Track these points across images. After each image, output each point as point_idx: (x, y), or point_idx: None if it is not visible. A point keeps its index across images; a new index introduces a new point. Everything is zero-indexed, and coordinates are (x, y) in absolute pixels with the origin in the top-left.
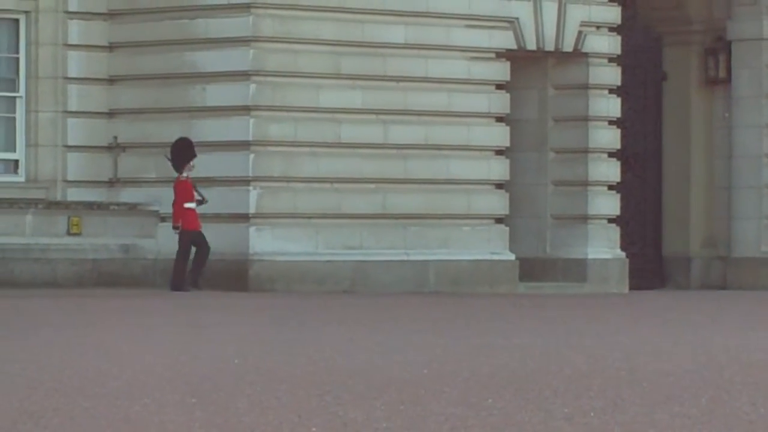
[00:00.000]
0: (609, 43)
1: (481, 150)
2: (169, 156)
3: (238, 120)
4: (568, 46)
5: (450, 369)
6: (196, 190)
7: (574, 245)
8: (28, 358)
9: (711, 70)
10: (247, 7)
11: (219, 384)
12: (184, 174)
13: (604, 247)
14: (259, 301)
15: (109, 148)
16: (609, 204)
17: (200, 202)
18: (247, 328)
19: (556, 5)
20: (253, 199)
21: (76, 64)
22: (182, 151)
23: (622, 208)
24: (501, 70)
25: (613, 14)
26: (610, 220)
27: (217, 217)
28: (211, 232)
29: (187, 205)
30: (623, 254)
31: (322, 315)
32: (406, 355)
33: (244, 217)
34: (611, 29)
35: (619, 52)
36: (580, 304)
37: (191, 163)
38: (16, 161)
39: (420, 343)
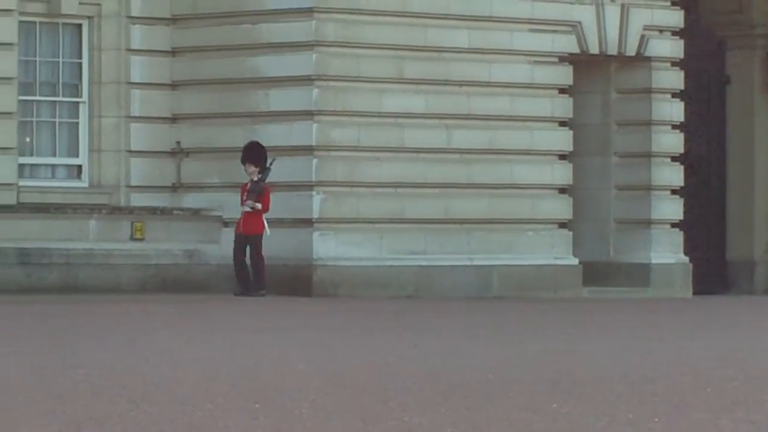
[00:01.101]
0: (672, 47)
1: (544, 154)
2: (271, 163)
3: (301, 125)
4: (631, 50)
5: (514, 374)
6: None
7: (637, 250)
8: (92, 363)
9: None
10: (309, 12)
11: (283, 389)
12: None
13: (667, 251)
14: (322, 307)
15: (172, 153)
16: (672, 208)
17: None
18: (311, 333)
19: (618, 9)
20: (316, 204)
21: (139, 69)
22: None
23: (685, 212)
24: (564, 75)
25: (676, 18)
26: (674, 225)
27: (281, 222)
28: (274, 237)
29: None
30: (687, 259)
31: (385, 320)
32: (470, 360)
33: (308, 222)
34: (674, 33)
35: (682, 56)
36: (644, 309)
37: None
38: (80, 166)
39: (484, 349)
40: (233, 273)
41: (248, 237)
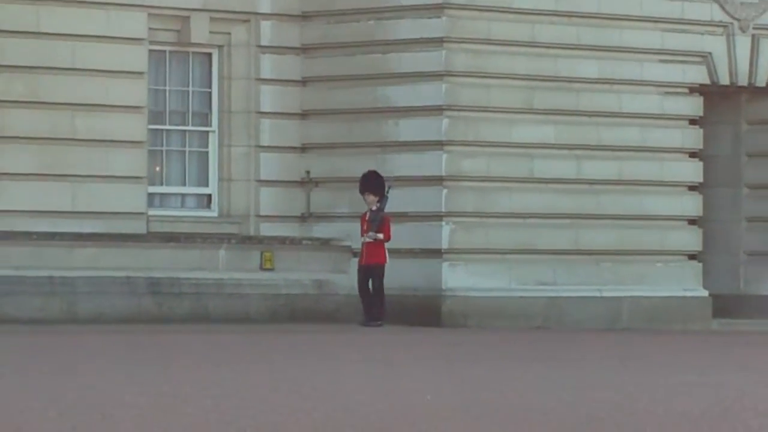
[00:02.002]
0: None
1: (674, 185)
2: (388, 191)
3: (431, 155)
4: (762, 80)
5: (645, 406)
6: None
7: None
8: (222, 393)
9: None
10: (440, 42)
11: (411, 420)
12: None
13: None
14: (451, 337)
15: (301, 182)
16: None
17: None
18: (440, 363)
19: (749, 40)
20: (446, 234)
21: (268, 98)
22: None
23: None
24: (694, 105)
25: None
26: None
27: (410, 252)
28: (404, 267)
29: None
30: None
31: (514, 351)
32: (602, 391)
33: (437, 253)
34: None
35: None
36: None
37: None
38: (209, 196)
39: (613, 381)
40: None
41: (370, 267)
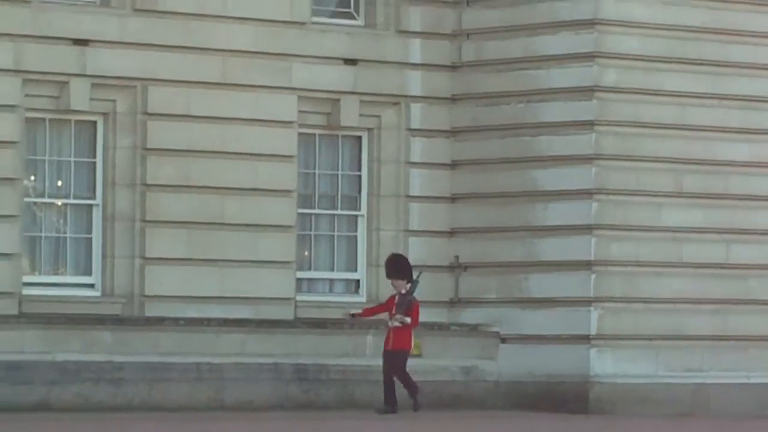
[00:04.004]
0: None
1: None
2: (418, 276)
3: (580, 239)
4: None
5: None
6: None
7: None
8: None
9: None
10: (590, 125)
11: None
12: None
13: None
14: (600, 424)
15: (450, 267)
16: None
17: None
18: None
19: None
20: (594, 319)
21: (418, 181)
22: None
23: None
24: None
25: None
26: None
27: (558, 338)
28: (551, 353)
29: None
30: None
31: None
32: None
33: (585, 338)
34: None
35: None
36: None
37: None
38: (358, 281)
39: None
40: (512, 390)
41: (394, 353)
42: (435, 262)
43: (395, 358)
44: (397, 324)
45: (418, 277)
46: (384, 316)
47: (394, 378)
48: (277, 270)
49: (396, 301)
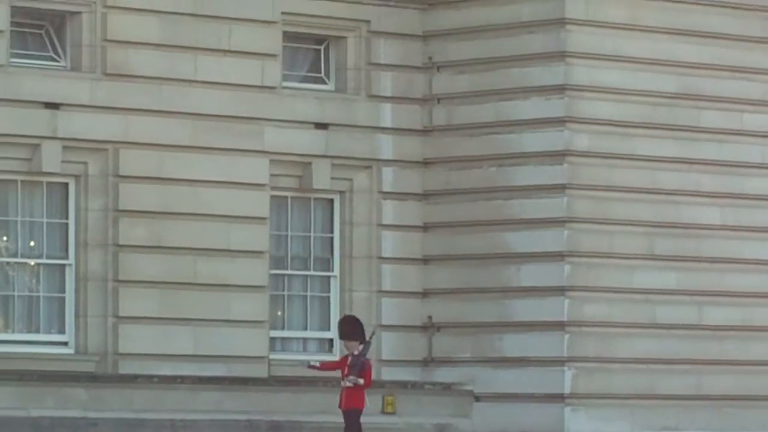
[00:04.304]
0: None
1: None
2: (371, 336)
3: (552, 300)
4: None
5: None
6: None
7: None
8: None
9: None
10: (562, 188)
11: None
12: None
13: None
14: None
15: (423, 327)
16: None
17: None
18: None
19: None
20: (568, 378)
21: (390, 243)
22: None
23: None
24: None
25: None
26: None
27: (531, 397)
28: (525, 412)
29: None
30: None
31: None
32: None
33: (559, 397)
34: None
35: None
36: None
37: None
38: (331, 340)
39: None
40: None
41: (347, 412)
42: (408, 322)
43: (349, 417)
44: (349, 384)
45: (371, 337)
46: (337, 373)
47: None
48: (251, 329)
49: (349, 362)
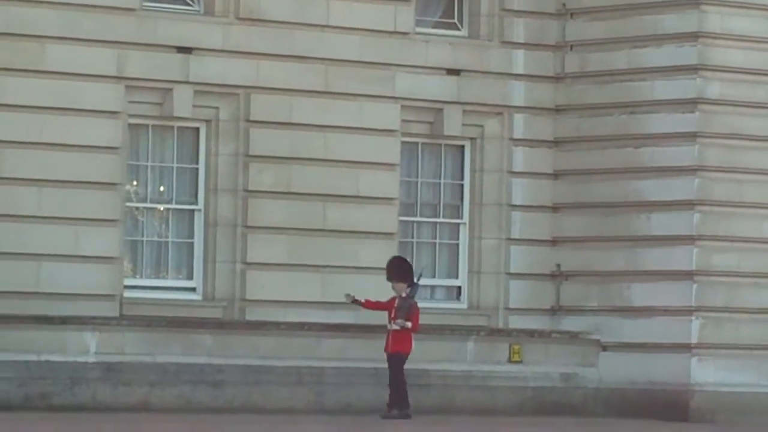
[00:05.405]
0: None
1: None
2: (419, 278)
3: (682, 249)
4: None
5: None
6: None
7: None
8: None
9: None
10: (693, 137)
11: None
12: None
13: None
14: None
15: (551, 276)
16: None
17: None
18: None
19: None
20: (695, 328)
21: (520, 191)
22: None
23: None
24: None
25: None
26: None
27: (659, 347)
28: (651, 361)
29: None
30: None
31: None
32: None
33: (686, 347)
34: None
35: None
36: None
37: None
38: (459, 288)
39: None
40: (612, 397)
41: (393, 355)
42: (536, 270)
43: (393, 361)
44: (396, 328)
45: (418, 280)
46: (384, 316)
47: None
48: (379, 276)
49: (396, 304)
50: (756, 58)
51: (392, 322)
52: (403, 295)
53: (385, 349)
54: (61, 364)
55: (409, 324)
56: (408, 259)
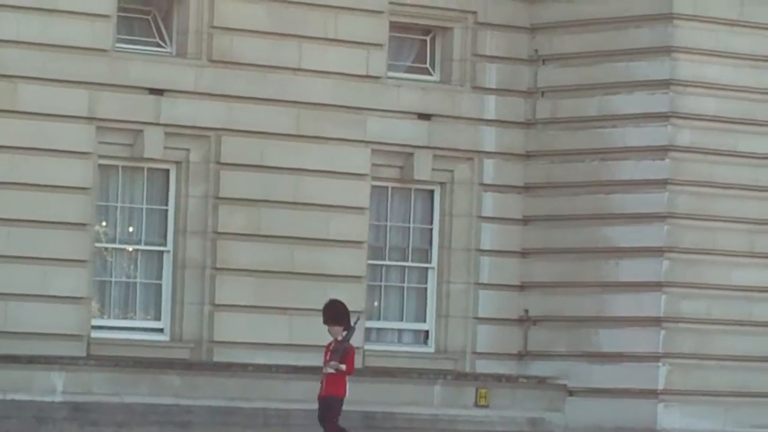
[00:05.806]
0: None
1: None
2: (355, 322)
3: (650, 295)
4: None
5: None
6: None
7: None
8: None
9: None
10: (663, 183)
11: None
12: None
13: None
14: None
15: (519, 320)
16: None
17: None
18: None
19: None
20: (662, 374)
21: (489, 236)
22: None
23: None
24: None
25: None
26: None
27: (626, 392)
28: (618, 407)
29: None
30: None
31: None
32: None
33: (653, 393)
34: None
35: None
36: None
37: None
38: (426, 331)
39: None
40: None
41: (325, 399)
42: (504, 315)
43: (327, 405)
44: (331, 371)
45: (355, 323)
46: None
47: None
48: None
49: (332, 347)
50: (727, 106)
51: (326, 365)
52: (339, 338)
53: (319, 394)
54: (27, 403)
55: (343, 366)
56: (342, 302)
